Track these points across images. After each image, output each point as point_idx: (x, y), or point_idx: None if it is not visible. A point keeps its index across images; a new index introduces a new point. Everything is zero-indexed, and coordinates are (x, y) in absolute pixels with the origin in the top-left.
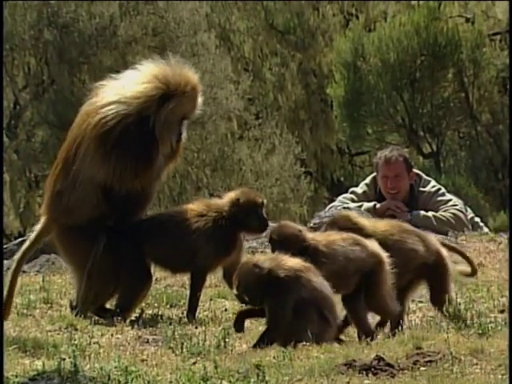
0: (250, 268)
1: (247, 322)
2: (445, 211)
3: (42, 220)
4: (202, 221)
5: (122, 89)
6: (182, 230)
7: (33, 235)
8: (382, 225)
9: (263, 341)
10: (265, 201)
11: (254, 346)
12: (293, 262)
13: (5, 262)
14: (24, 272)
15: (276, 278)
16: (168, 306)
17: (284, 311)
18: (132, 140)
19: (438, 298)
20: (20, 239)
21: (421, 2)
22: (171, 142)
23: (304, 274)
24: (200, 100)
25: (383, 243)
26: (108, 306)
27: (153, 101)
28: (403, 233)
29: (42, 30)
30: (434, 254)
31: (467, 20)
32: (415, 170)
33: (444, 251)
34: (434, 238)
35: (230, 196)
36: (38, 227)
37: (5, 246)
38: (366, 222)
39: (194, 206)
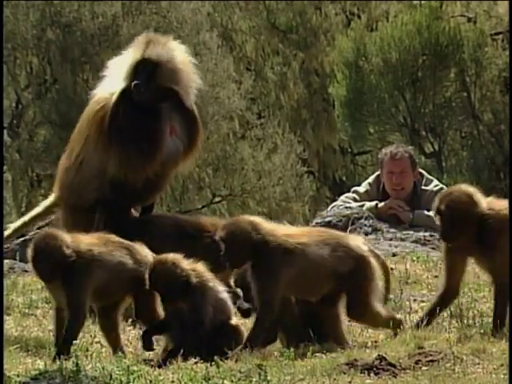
0: (168, 266)
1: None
2: None
3: (52, 196)
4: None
5: (114, 76)
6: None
7: (41, 206)
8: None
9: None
10: None
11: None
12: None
13: (5, 261)
14: (26, 272)
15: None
16: None
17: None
18: (130, 128)
19: (356, 310)
20: (22, 238)
21: (423, 2)
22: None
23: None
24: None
25: None
26: None
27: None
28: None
29: (44, 29)
30: None
31: (469, 20)
32: (418, 169)
33: (370, 260)
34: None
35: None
36: (47, 200)
37: (6, 246)
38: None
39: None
